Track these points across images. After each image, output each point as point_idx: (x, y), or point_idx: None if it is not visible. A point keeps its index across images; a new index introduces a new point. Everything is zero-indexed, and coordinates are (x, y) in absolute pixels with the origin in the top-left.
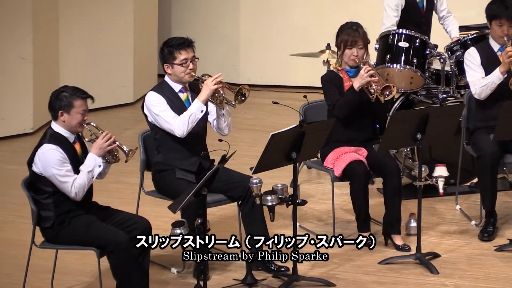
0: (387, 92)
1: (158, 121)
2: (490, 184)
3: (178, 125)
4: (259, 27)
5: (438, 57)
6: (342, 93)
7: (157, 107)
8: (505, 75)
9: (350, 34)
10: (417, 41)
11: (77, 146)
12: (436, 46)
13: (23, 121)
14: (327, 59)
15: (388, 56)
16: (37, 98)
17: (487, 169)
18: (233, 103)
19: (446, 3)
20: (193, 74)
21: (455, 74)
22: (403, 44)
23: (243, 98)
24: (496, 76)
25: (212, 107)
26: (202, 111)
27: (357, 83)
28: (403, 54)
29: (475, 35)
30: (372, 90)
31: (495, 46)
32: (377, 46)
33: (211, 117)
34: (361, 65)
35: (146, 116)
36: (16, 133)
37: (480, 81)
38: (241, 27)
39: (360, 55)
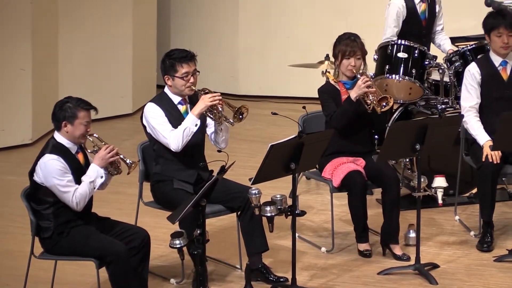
0: (384, 103)
1: (155, 134)
2: (490, 194)
3: (173, 139)
4: (258, 38)
5: (437, 68)
6: (340, 105)
7: (155, 120)
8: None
9: (348, 44)
10: (416, 51)
11: (80, 156)
12: (435, 57)
13: (22, 132)
14: (326, 69)
15: (387, 66)
16: (36, 109)
17: (488, 180)
18: (231, 120)
19: (443, 19)
20: (193, 87)
21: (454, 85)
22: (402, 54)
23: (240, 117)
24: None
25: (211, 120)
26: (196, 125)
27: (354, 93)
28: (402, 65)
29: (474, 45)
30: (368, 101)
31: (496, 60)
32: (376, 56)
33: (209, 130)
34: (358, 76)
35: (144, 126)
36: (15, 144)
37: (470, 123)
38: (240, 38)
39: (357, 66)
